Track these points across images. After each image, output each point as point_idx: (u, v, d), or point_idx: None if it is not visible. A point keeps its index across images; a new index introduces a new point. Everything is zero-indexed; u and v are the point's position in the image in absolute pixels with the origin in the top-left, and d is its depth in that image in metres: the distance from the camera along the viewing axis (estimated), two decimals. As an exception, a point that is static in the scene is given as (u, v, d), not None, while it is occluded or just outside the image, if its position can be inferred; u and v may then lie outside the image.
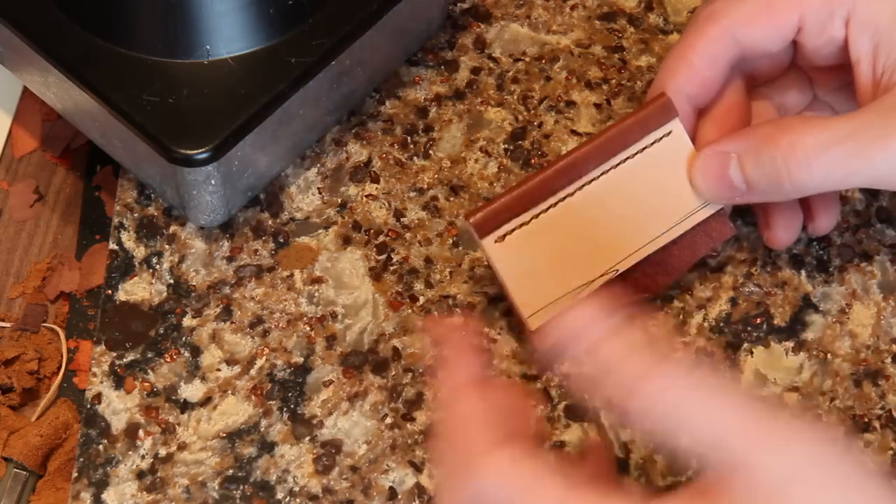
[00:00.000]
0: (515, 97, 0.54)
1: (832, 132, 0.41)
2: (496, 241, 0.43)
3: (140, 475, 0.45)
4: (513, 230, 0.44)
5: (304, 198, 0.51)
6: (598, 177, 0.44)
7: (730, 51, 0.45)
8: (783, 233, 0.48)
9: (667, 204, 0.45)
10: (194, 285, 0.49)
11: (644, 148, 0.44)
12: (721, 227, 0.46)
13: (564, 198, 0.44)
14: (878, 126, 0.41)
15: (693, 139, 0.46)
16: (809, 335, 0.48)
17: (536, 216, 0.44)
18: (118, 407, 0.46)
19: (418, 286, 0.49)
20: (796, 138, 0.41)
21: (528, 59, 0.56)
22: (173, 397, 0.46)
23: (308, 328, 0.48)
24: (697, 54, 0.45)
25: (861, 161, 0.40)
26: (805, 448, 0.33)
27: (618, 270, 0.45)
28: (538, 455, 0.34)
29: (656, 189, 0.45)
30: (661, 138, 0.44)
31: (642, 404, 0.34)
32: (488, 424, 0.35)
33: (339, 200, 0.51)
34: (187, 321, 0.48)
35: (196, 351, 0.48)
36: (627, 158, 0.44)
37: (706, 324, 0.49)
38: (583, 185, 0.44)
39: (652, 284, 0.47)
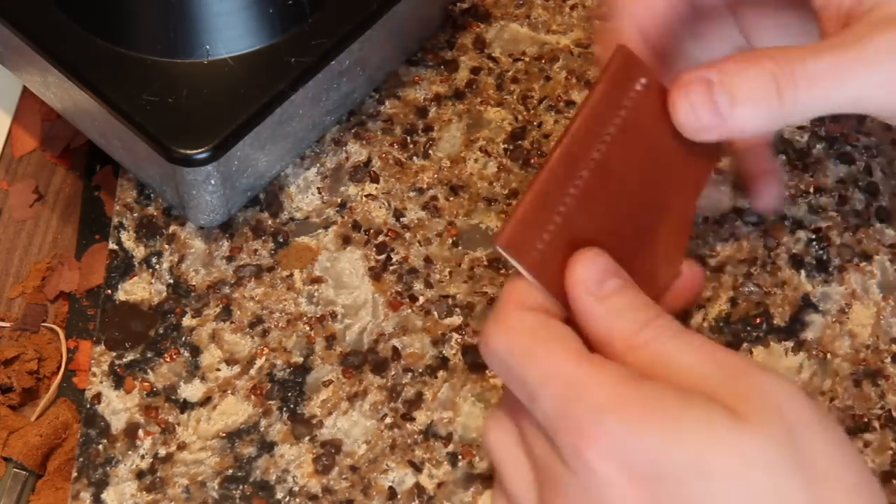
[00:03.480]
0: (515, 97, 0.54)
1: (814, 48, 0.39)
2: (535, 260, 0.37)
3: (140, 475, 0.45)
4: (546, 239, 0.37)
5: (303, 198, 0.51)
6: (602, 152, 0.39)
7: None
8: (768, 197, 0.49)
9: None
10: (194, 285, 0.49)
11: (626, 108, 0.40)
12: (706, 162, 0.42)
13: (578, 184, 0.38)
14: (860, 47, 0.38)
15: None
16: (809, 335, 0.48)
17: (561, 214, 0.38)
18: (118, 407, 0.46)
19: (418, 286, 0.49)
20: (780, 54, 0.39)
21: (527, 59, 0.56)
22: (173, 397, 0.46)
23: (308, 328, 0.48)
24: None
25: (849, 74, 0.38)
26: None
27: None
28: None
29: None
30: (639, 91, 0.40)
31: None
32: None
33: (339, 200, 0.51)
34: (187, 321, 0.48)
35: (196, 351, 0.48)
36: (616, 123, 0.40)
37: (706, 324, 0.49)
38: (590, 168, 0.39)
39: (669, 275, 0.42)
